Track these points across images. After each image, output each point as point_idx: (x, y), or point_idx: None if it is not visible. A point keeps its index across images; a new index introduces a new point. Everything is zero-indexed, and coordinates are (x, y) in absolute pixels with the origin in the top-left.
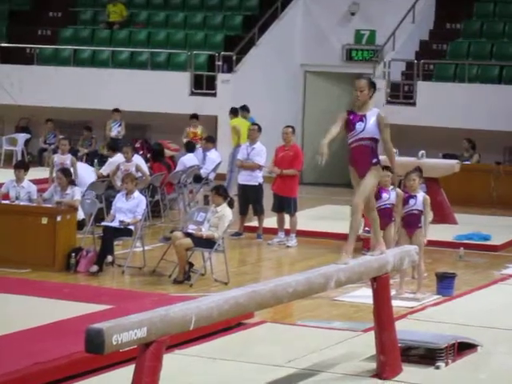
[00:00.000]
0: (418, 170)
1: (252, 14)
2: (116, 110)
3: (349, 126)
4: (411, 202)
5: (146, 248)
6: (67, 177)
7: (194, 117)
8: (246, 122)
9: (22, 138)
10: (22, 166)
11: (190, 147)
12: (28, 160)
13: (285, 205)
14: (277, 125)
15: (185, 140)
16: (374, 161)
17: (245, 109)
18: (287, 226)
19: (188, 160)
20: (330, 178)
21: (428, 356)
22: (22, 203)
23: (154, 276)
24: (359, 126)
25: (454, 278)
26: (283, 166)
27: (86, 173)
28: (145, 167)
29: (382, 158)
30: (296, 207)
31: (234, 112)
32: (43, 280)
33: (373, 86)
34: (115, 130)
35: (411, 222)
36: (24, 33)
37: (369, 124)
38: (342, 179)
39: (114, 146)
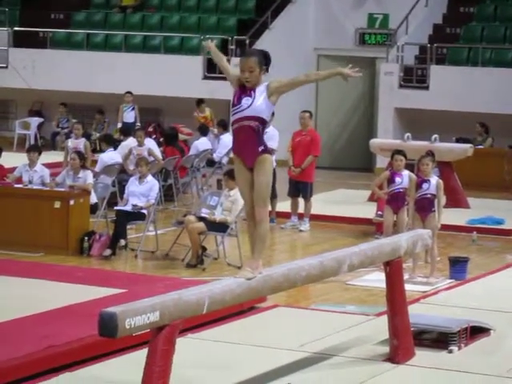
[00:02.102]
0: (431, 154)
1: None
2: (128, 93)
3: (234, 98)
4: (424, 186)
5: (158, 232)
6: (81, 160)
7: (201, 102)
8: None
9: (34, 121)
10: (35, 150)
11: (203, 131)
12: (41, 144)
13: (301, 190)
14: (290, 109)
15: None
16: (261, 148)
17: None
18: (301, 210)
19: (201, 144)
20: (344, 162)
21: (441, 340)
22: (35, 187)
23: (166, 260)
24: (246, 101)
25: (467, 262)
26: (299, 151)
27: (112, 160)
28: (157, 151)
29: (389, 141)
30: (312, 192)
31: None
32: (56, 264)
33: (265, 59)
34: (129, 115)
35: (424, 206)
36: (37, 17)
37: (257, 101)
38: (355, 163)
39: (127, 130)
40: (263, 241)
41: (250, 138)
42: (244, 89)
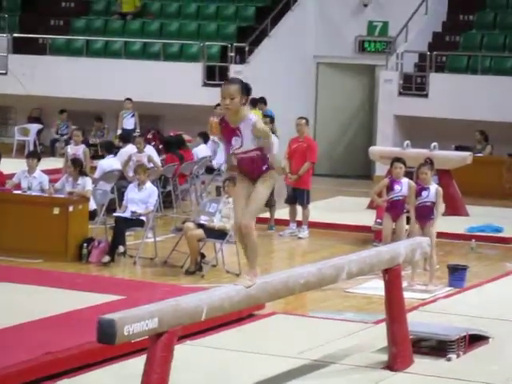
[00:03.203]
0: (430, 162)
1: (265, 5)
2: (128, 99)
3: (225, 139)
4: (424, 194)
5: (157, 239)
6: (77, 167)
7: (219, 105)
8: (260, 114)
9: (34, 128)
10: (34, 156)
11: (203, 138)
12: (40, 150)
13: (298, 196)
14: (289, 116)
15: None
16: (265, 167)
17: (262, 101)
18: (299, 217)
19: (200, 151)
20: (343, 169)
21: (439, 348)
22: (33, 193)
23: (165, 267)
24: (236, 142)
25: (466, 270)
26: (296, 158)
27: (111, 167)
28: (157, 158)
29: (388, 149)
30: (309, 199)
31: (252, 103)
32: (55, 270)
33: (246, 90)
34: (129, 122)
35: (424, 214)
36: (36, 23)
37: (245, 140)
38: (355, 171)
39: (126, 136)
40: (254, 251)
41: (252, 165)
42: (228, 128)
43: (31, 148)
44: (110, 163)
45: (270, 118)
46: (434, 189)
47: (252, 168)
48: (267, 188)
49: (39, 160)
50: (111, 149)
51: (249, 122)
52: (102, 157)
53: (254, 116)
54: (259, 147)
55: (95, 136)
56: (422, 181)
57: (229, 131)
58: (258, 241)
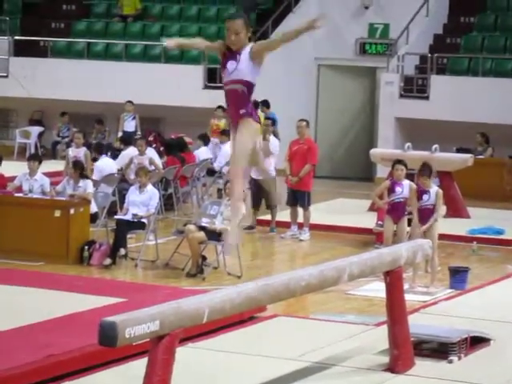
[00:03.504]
0: (428, 167)
1: (266, 8)
2: (129, 102)
3: (222, 63)
4: (425, 197)
5: (159, 241)
6: (78, 170)
7: (220, 107)
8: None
9: (35, 130)
10: (35, 159)
11: (204, 140)
12: (41, 153)
13: (299, 198)
14: (290, 118)
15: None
16: (242, 111)
17: (265, 104)
18: (300, 219)
19: (201, 153)
20: (344, 171)
21: (440, 350)
22: (35, 196)
23: (166, 269)
24: (231, 65)
25: (467, 272)
26: (297, 160)
27: (108, 168)
28: (158, 160)
29: (389, 151)
30: (310, 201)
31: (255, 105)
32: (56, 273)
33: (249, 23)
34: (130, 124)
35: (425, 217)
36: (37, 25)
37: (241, 63)
38: (356, 173)
39: (127, 139)
40: (238, 199)
41: (234, 100)
42: (230, 52)
43: (32, 151)
44: (105, 163)
45: (272, 121)
46: (434, 191)
47: (234, 105)
48: (245, 137)
49: (40, 163)
50: (101, 149)
51: (248, 47)
52: (95, 159)
53: (254, 43)
54: (248, 82)
55: (96, 139)
56: (423, 185)
57: (227, 55)
58: (243, 192)
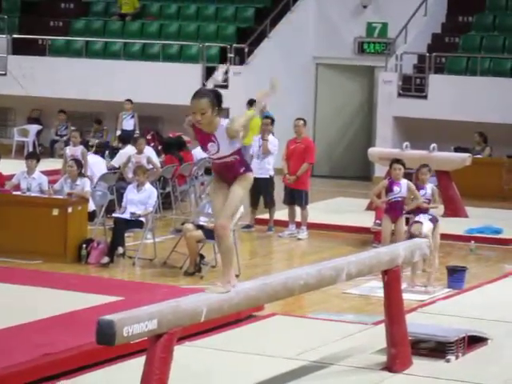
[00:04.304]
0: (428, 165)
1: (264, 6)
2: (128, 101)
3: (201, 144)
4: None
5: (156, 240)
6: (78, 167)
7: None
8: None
9: (33, 129)
10: (33, 157)
11: None
12: (39, 151)
13: (296, 197)
14: (288, 117)
15: None
16: (242, 170)
17: None
18: (298, 218)
19: (199, 152)
20: (343, 170)
21: (438, 349)
22: (33, 194)
23: (164, 268)
24: (212, 147)
25: (465, 271)
26: (294, 159)
27: (97, 164)
28: (156, 159)
29: (387, 150)
30: (307, 200)
31: (251, 103)
32: (54, 271)
33: (216, 99)
34: (128, 123)
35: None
36: (36, 24)
37: (222, 145)
38: (354, 172)
39: (125, 137)
40: (228, 255)
41: (230, 169)
42: (202, 134)
43: (30, 149)
44: (93, 159)
45: (271, 120)
46: (429, 187)
47: (229, 172)
48: (243, 188)
49: (38, 161)
50: (86, 147)
51: (222, 128)
52: None
53: (226, 120)
54: (236, 150)
55: (94, 137)
56: (420, 181)
57: (204, 137)
58: (232, 245)
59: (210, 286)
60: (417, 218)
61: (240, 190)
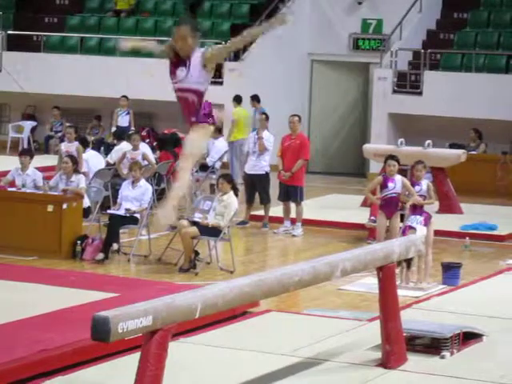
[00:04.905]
0: (423, 162)
1: (259, 2)
2: (123, 97)
3: (170, 68)
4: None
5: (151, 236)
6: (73, 164)
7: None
8: (246, 111)
9: (28, 125)
10: (26, 154)
11: None
12: (34, 148)
13: (291, 194)
14: (283, 113)
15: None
16: (193, 119)
17: (255, 98)
18: (293, 215)
19: None
20: (337, 167)
21: (433, 345)
22: (28, 191)
23: (159, 264)
24: (180, 72)
25: (460, 267)
26: (289, 155)
27: (96, 160)
28: (151, 156)
29: (382, 147)
30: (302, 196)
31: (237, 100)
32: (49, 267)
33: (196, 27)
34: (123, 119)
35: (416, 210)
36: (31, 20)
37: (191, 70)
38: (348, 168)
39: (120, 134)
40: (177, 191)
41: (186, 107)
42: (179, 57)
43: (25, 145)
44: (91, 155)
45: (265, 116)
46: (425, 183)
47: (187, 111)
48: (199, 136)
49: (32, 157)
50: (84, 144)
51: (197, 54)
52: None
53: (203, 48)
54: (197, 91)
55: (90, 134)
56: (417, 178)
57: (177, 60)
58: (186, 184)
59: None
60: (409, 222)
61: (196, 137)
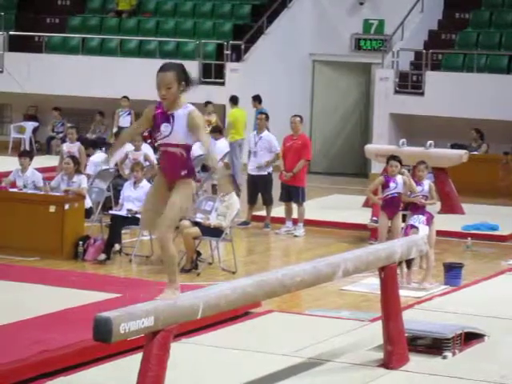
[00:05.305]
0: (425, 162)
1: (261, 3)
2: (125, 97)
3: (155, 124)
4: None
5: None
6: (75, 164)
7: (209, 103)
8: (243, 112)
9: (30, 126)
10: (26, 155)
11: None
12: (36, 148)
13: (293, 194)
14: (285, 114)
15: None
16: (184, 173)
17: (257, 99)
18: (295, 215)
19: (196, 149)
20: (339, 167)
21: (435, 346)
22: (29, 191)
23: (161, 265)
24: (165, 128)
25: (462, 268)
26: (291, 156)
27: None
28: (153, 156)
29: (386, 147)
30: (304, 197)
31: (233, 100)
32: (51, 268)
33: (183, 74)
34: (125, 120)
35: (418, 209)
36: (32, 21)
37: (176, 127)
38: (350, 169)
39: None
40: (172, 264)
41: (173, 162)
42: (162, 111)
43: (27, 146)
44: (99, 156)
45: (265, 115)
46: (427, 183)
47: (172, 167)
48: (184, 197)
49: (31, 159)
50: (95, 145)
51: (184, 111)
52: (88, 155)
53: (192, 107)
54: (186, 145)
55: (94, 131)
56: (418, 178)
57: (161, 116)
58: (175, 254)
59: (162, 294)
60: (411, 222)
61: (180, 199)
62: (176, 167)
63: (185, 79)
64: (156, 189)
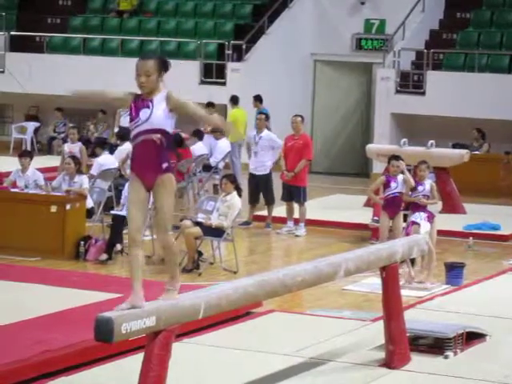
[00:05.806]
0: (426, 162)
1: (262, 3)
2: None
3: (132, 112)
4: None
5: (155, 237)
6: (76, 164)
7: (210, 105)
8: (243, 112)
9: (31, 126)
10: (26, 155)
11: (199, 135)
12: (37, 148)
13: (294, 194)
14: (286, 114)
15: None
16: (165, 166)
17: (258, 99)
18: (296, 215)
19: (197, 149)
20: (340, 167)
21: (436, 345)
22: (31, 191)
23: (163, 265)
24: (144, 113)
25: (463, 267)
26: (292, 155)
27: (110, 163)
28: None
29: (387, 147)
30: (306, 196)
31: (234, 100)
32: (52, 268)
33: (163, 64)
34: (126, 120)
35: (419, 209)
36: (34, 21)
37: (156, 110)
38: (352, 168)
39: (124, 134)
40: (175, 264)
41: (152, 153)
42: (140, 100)
43: (28, 146)
44: (106, 157)
45: (265, 115)
46: (428, 183)
47: (148, 161)
48: (171, 197)
49: (32, 159)
50: (104, 146)
51: (163, 94)
52: (96, 155)
53: (170, 90)
54: (166, 131)
55: (96, 130)
56: (420, 178)
57: (140, 103)
58: (178, 253)
59: (166, 294)
60: (413, 218)
61: (168, 200)
62: (156, 160)
63: (164, 69)
64: (135, 197)
